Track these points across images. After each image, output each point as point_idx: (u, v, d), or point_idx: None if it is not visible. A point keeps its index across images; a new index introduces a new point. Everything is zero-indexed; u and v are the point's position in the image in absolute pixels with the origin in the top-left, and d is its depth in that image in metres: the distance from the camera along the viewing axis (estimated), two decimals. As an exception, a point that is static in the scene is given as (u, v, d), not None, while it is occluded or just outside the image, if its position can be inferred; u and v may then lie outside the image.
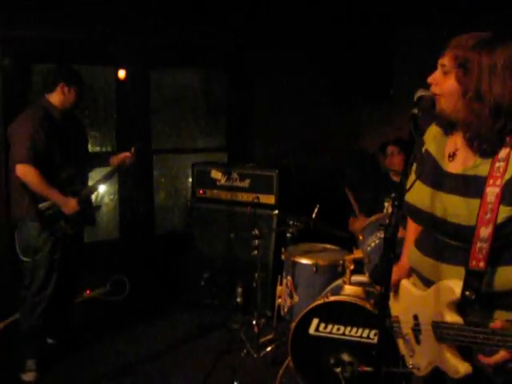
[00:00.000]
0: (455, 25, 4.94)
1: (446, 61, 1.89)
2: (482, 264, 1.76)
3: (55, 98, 3.93)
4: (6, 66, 5.05)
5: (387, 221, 1.79)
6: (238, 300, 4.89)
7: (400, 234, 3.17)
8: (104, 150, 5.99)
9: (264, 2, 5.62)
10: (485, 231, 1.76)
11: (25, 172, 3.69)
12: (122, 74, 5.92)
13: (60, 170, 3.89)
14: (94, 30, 5.44)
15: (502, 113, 1.78)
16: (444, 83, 1.90)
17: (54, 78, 3.94)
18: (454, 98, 1.87)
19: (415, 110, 1.90)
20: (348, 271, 3.51)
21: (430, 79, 1.96)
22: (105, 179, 4.29)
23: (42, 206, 3.80)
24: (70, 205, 3.87)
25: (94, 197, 4.58)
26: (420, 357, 2.12)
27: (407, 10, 5.33)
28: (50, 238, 3.84)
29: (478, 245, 1.77)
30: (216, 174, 5.29)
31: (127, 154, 4.31)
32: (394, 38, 5.77)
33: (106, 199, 6.17)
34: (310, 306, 3.40)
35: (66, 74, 3.96)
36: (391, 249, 1.73)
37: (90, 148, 5.61)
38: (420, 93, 1.99)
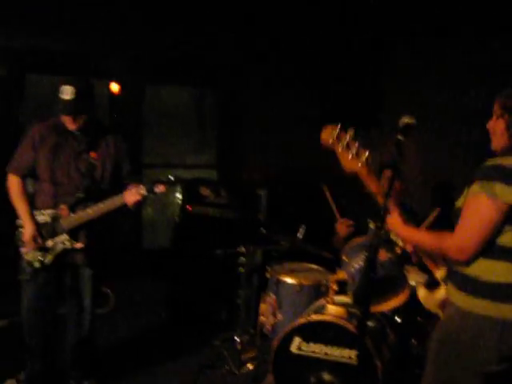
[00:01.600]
0: (445, 52, 5.04)
1: (496, 108, 2.33)
2: None
3: None
4: (1, 76, 5.09)
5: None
6: (222, 316, 4.91)
7: (382, 256, 3.25)
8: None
9: (255, 23, 5.70)
10: None
11: (7, 180, 3.54)
12: (115, 87, 5.97)
13: (50, 186, 3.49)
14: (90, 42, 5.50)
15: None
16: (495, 126, 2.32)
17: None
18: (504, 137, 2.28)
19: (400, 137, 1.98)
20: (331, 291, 3.55)
21: (488, 125, 2.39)
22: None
23: (18, 221, 3.54)
24: (26, 231, 3.44)
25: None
26: None
27: (399, 37, 5.43)
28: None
29: None
30: (205, 191, 5.32)
31: (131, 190, 3.43)
32: (385, 63, 5.86)
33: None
34: (293, 325, 3.43)
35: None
36: (372, 269, 1.78)
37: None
38: (404, 120, 2.07)
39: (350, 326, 3.29)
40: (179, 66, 6.05)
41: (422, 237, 2.40)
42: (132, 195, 3.36)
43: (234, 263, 4.35)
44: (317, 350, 3.35)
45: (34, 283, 3.53)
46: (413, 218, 4.25)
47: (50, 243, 3.48)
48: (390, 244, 3.56)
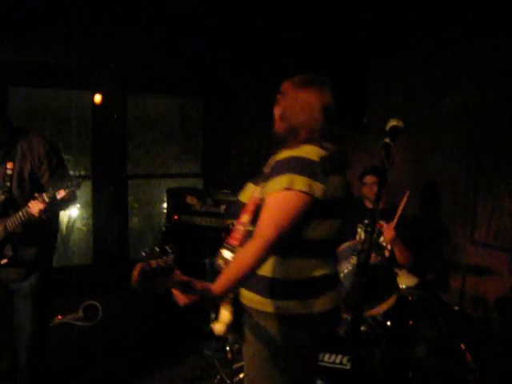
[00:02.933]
0: (430, 55, 5.07)
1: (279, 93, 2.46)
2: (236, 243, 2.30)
3: None
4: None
5: (360, 247, 1.84)
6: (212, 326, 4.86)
7: (373, 259, 3.25)
8: (77, 173, 5.98)
9: (240, 33, 5.69)
10: (245, 218, 2.28)
11: None
12: (98, 98, 5.95)
13: None
14: (72, 54, 5.47)
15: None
16: (276, 110, 2.45)
17: None
18: (282, 121, 2.38)
19: (387, 139, 1.98)
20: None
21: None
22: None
23: None
24: None
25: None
26: None
27: (383, 40, 5.45)
28: None
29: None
30: (191, 200, 5.31)
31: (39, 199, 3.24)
32: (369, 66, 5.88)
33: (79, 224, 6.14)
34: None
35: None
36: (364, 274, 1.77)
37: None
38: (392, 123, 2.07)
39: (341, 332, 3.28)
40: (163, 74, 6.03)
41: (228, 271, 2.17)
42: (36, 205, 3.19)
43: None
44: (309, 356, 3.33)
45: None
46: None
47: None
48: (379, 247, 3.58)
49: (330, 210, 2.17)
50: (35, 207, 3.19)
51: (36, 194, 3.21)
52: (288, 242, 2.09)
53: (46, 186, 3.36)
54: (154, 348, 4.83)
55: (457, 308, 3.97)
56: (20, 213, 3.25)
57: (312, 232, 2.16)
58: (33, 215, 3.21)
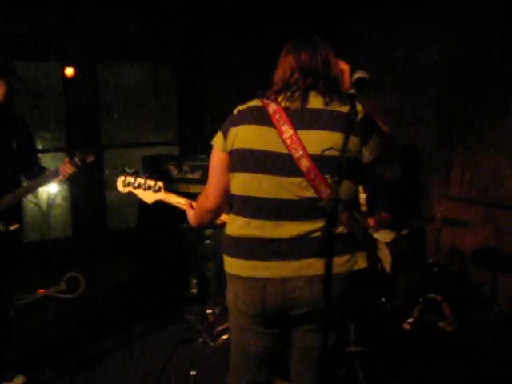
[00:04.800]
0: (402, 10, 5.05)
1: None
2: None
3: None
4: None
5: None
6: (194, 291, 4.90)
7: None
8: (52, 147, 5.94)
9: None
10: None
11: None
12: (69, 71, 5.87)
13: None
14: (40, 25, 5.38)
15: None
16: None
17: None
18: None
19: (352, 90, 1.99)
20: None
21: None
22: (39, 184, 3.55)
23: None
24: None
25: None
26: None
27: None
28: None
29: None
30: (167, 167, 5.29)
31: (66, 164, 3.47)
32: (342, 26, 5.84)
33: (58, 198, 6.11)
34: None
35: None
36: (332, 223, 1.78)
37: (40, 146, 5.59)
38: (357, 74, 2.08)
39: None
40: (134, 41, 5.94)
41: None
42: (69, 169, 3.40)
43: (202, 236, 4.35)
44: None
45: None
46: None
47: None
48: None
49: (239, 162, 2.14)
50: (67, 171, 3.39)
51: (66, 159, 3.42)
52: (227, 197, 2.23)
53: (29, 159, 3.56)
54: (136, 315, 4.85)
55: (432, 260, 4.03)
56: (47, 176, 3.42)
57: (233, 187, 2.18)
58: (63, 177, 3.41)
